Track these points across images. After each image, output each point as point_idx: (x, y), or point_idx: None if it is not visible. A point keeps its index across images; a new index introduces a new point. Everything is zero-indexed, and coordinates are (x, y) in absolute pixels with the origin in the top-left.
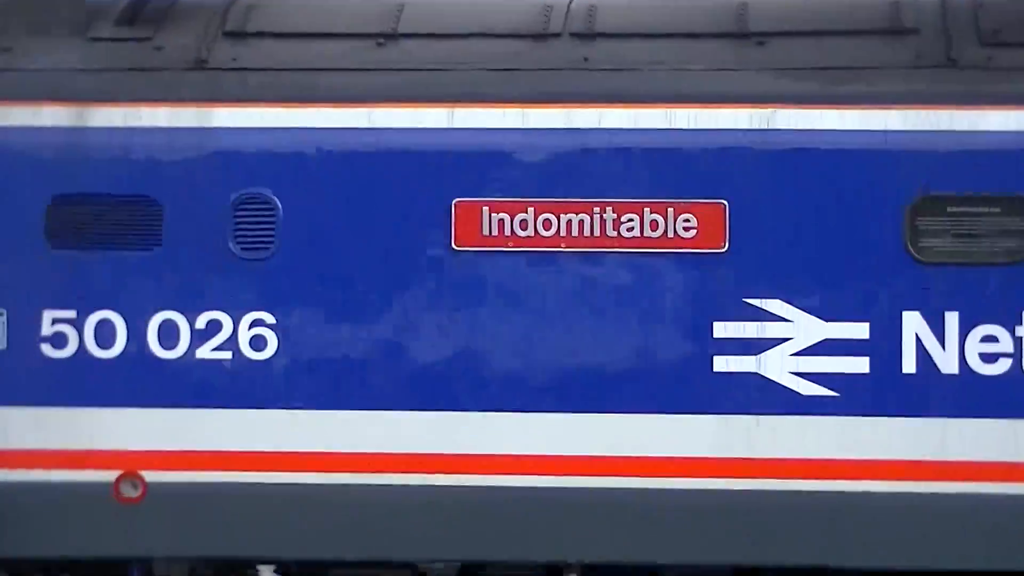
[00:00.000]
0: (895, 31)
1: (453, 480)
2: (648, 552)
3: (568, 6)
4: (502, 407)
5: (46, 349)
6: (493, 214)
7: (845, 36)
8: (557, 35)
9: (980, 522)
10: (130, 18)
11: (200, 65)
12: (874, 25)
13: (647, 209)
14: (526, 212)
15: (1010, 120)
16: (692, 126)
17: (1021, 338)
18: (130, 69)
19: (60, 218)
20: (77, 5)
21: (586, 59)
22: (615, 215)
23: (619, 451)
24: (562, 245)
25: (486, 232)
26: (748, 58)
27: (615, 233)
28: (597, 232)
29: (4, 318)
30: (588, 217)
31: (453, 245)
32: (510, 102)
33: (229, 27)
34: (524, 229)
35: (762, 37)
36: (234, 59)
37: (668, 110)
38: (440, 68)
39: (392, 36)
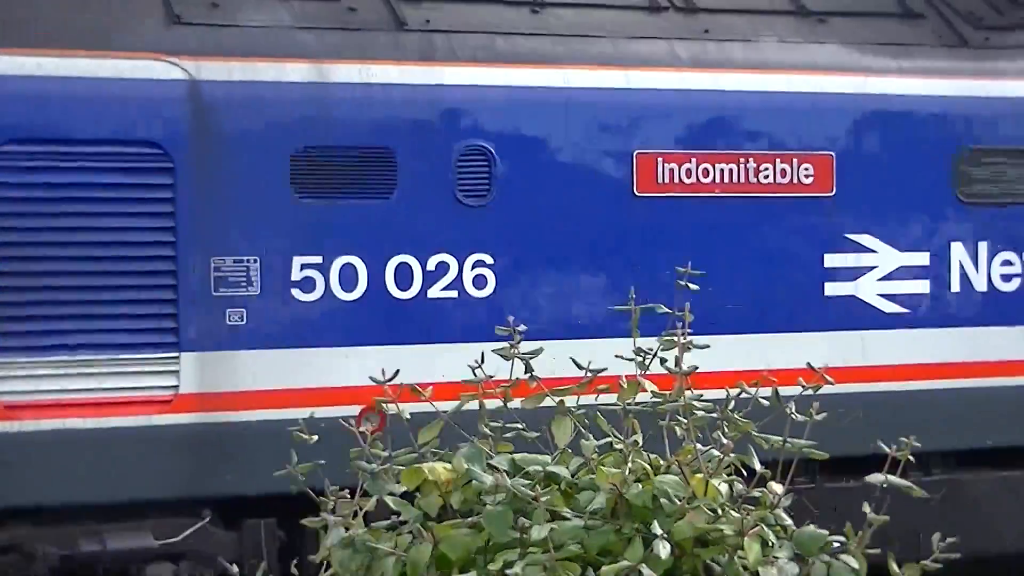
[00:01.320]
0: (911, 15)
1: None
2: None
3: None
4: None
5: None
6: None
7: (885, 17)
8: (666, 8)
9: (1011, 406)
10: None
11: (400, 27)
12: (894, 10)
13: (778, 160)
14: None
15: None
16: (802, 89)
17: None
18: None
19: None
20: None
21: (707, 31)
22: (755, 164)
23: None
24: (716, 191)
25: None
26: (822, 33)
27: (756, 180)
28: (742, 179)
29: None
30: (736, 166)
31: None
32: (669, 67)
33: None
34: (688, 177)
35: (822, 16)
36: (427, 21)
37: (784, 75)
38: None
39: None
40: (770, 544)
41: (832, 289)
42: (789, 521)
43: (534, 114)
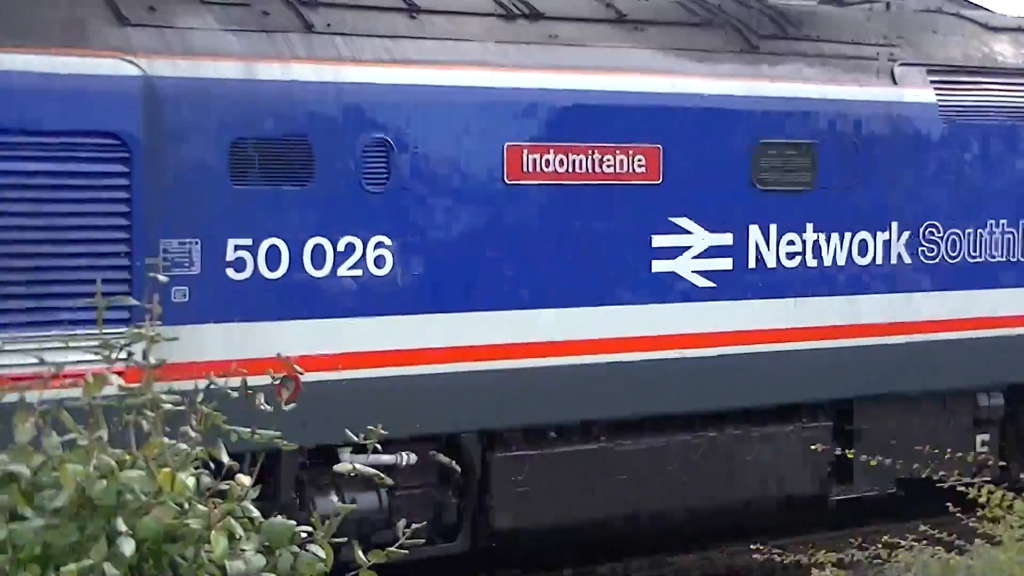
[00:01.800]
0: (709, 24)
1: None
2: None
3: None
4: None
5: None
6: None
7: (689, 27)
8: (517, 16)
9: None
10: None
11: (309, 29)
12: (695, 20)
13: (617, 151)
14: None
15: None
16: (633, 89)
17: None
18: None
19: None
20: None
21: (553, 36)
22: (599, 155)
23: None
24: (570, 179)
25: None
26: (640, 39)
27: (600, 169)
28: (588, 169)
29: None
30: (584, 156)
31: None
32: (529, 68)
33: None
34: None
35: (639, 24)
36: (328, 24)
37: (615, 76)
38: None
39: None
40: (238, 537)
41: (657, 266)
42: (257, 513)
43: (423, 110)
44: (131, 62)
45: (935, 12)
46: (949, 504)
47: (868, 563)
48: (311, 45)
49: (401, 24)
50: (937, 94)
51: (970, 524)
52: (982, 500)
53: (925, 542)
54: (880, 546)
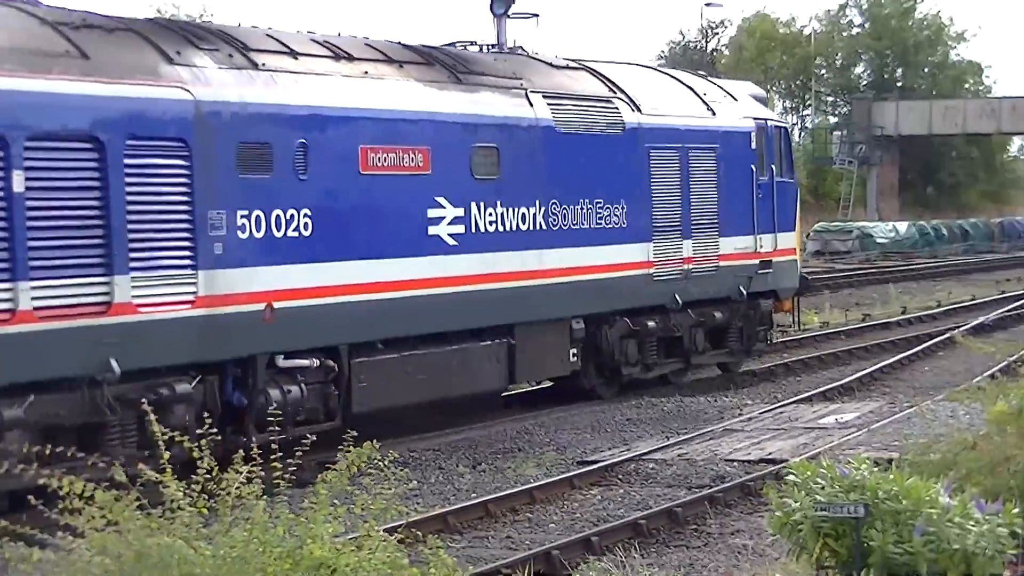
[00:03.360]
0: (432, 62)
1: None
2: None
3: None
4: None
5: None
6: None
7: (415, 65)
8: (344, 58)
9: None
10: None
11: (256, 68)
12: (417, 59)
13: (407, 151)
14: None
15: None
16: (408, 108)
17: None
18: None
19: None
20: None
21: (366, 72)
22: (401, 154)
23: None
24: (388, 170)
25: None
26: (403, 74)
27: (400, 163)
28: (396, 163)
29: None
30: (394, 155)
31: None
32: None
33: None
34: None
35: (400, 63)
36: (266, 65)
37: (397, 100)
38: None
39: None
40: None
41: (431, 231)
42: None
43: (322, 123)
44: (186, 90)
45: (535, 58)
46: (31, 497)
47: None
48: (260, 81)
49: (303, 65)
50: (552, 111)
51: (53, 516)
52: (64, 491)
53: (7, 538)
54: None
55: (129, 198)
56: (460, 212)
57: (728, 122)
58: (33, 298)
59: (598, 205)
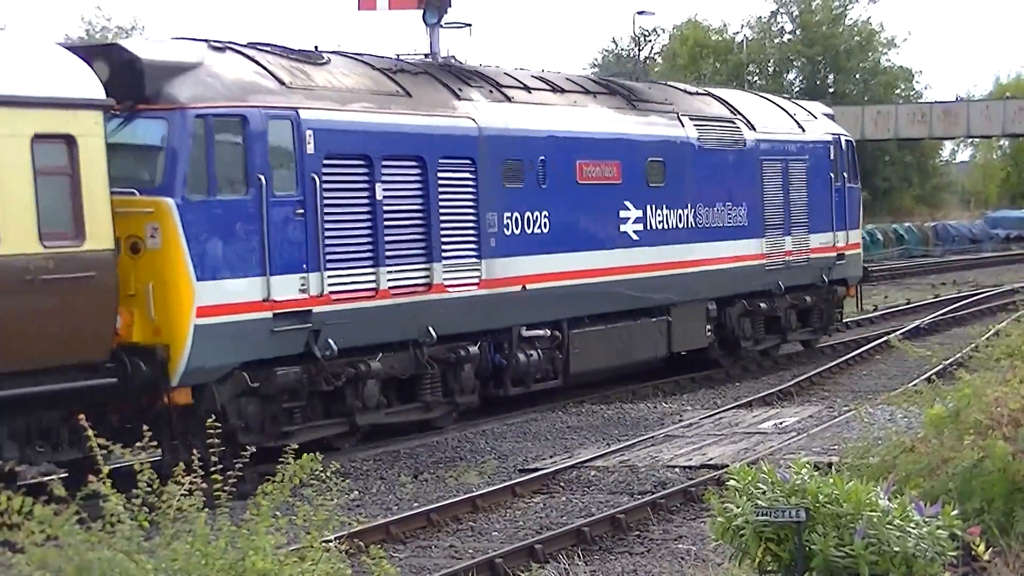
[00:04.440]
0: (609, 91)
1: None
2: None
3: None
4: None
5: None
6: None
7: (603, 95)
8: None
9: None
10: None
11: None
12: (603, 90)
13: (602, 164)
14: None
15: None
16: (600, 130)
17: None
18: None
19: None
20: None
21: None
22: (594, 167)
23: None
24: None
25: None
26: (588, 101)
27: (599, 175)
28: (594, 175)
29: None
30: (593, 168)
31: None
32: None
33: None
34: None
35: (583, 92)
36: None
37: (586, 122)
38: None
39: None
40: None
41: (626, 226)
42: None
43: (554, 144)
44: (471, 119)
45: (674, 87)
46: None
47: None
48: (513, 111)
49: (535, 97)
50: (697, 130)
51: None
52: (2, 507)
53: None
54: None
55: (441, 204)
56: (640, 213)
57: (813, 137)
58: (388, 280)
59: (727, 207)
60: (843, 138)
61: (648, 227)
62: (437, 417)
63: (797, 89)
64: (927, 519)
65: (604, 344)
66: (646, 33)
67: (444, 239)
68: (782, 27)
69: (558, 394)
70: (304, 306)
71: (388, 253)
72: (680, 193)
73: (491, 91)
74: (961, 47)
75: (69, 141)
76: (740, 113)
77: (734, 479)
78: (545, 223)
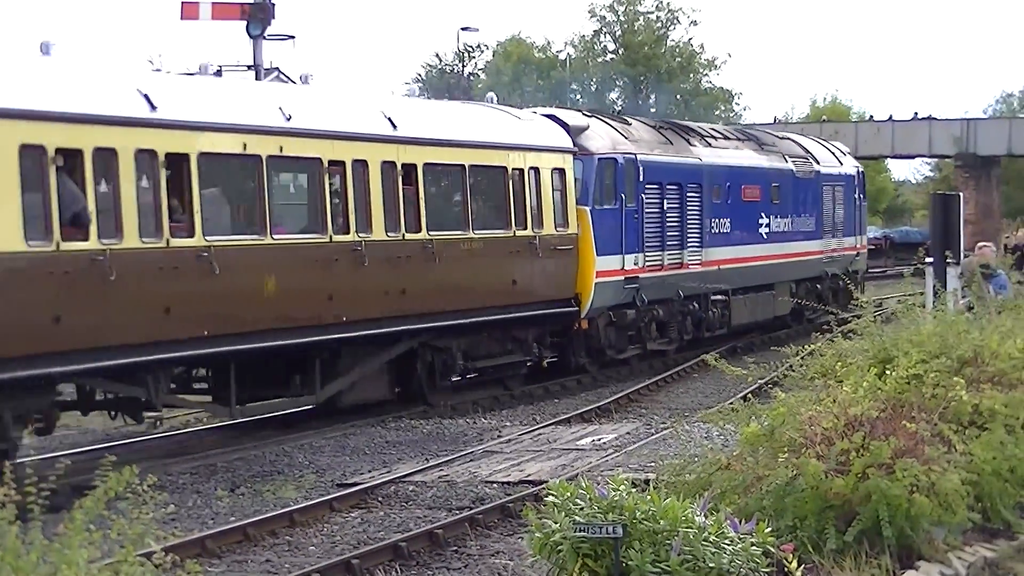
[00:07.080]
0: (748, 139)
1: None
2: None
3: None
4: None
5: None
6: None
7: (743, 141)
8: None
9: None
10: None
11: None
12: (742, 137)
13: (752, 188)
14: None
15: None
16: (744, 164)
17: None
18: None
19: None
20: None
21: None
22: (748, 189)
23: None
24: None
25: None
26: (741, 144)
27: (757, 195)
28: (752, 196)
29: None
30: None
31: None
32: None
33: None
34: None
35: (741, 139)
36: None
37: (738, 159)
38: None
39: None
40: None
41: (762, 229)
42: None
43: (732, 173)
44: (698, 158)
45: (771, 133)
46: None
47: None
48: (714, 152)
49: (715, 143)
50: (792, 164)
51: None
52: None
53: None
54: None
55: (688, 212)
56: (767, 221)
57: (847, 169)
58: (666, 260)
59: (805, 217)
60: (860, 170)
61: (772, 230)
62: (668, 350)
63: (619, 109)
64: (742, 535)
65: (748, 307)
66: (470, 49)
67: (689, 235)
68: (604, 46)
69: (388, 406)
70: (635, 273)
71: (667, 243)
72: (785, 207)
73: (701, 139)
74: (780, 70)
75: (560, 173)
76: (809, 151)
77: (553, 494)
78: (727, 225)
